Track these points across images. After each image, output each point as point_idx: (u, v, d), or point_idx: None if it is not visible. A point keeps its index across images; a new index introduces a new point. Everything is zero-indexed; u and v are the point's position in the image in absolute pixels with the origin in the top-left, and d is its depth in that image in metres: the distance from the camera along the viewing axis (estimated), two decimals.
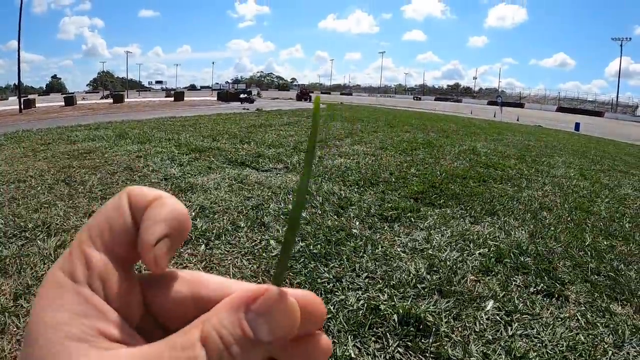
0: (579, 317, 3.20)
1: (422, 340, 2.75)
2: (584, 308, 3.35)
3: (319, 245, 4.05)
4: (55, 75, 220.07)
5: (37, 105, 38.85)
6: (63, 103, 40.14)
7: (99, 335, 0.27)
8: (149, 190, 0.32)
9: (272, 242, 4.14)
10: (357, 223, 4.74)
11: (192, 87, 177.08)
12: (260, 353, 0.28)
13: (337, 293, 3.25)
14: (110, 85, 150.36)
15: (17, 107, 33.30)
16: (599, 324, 3.14)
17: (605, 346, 2.89)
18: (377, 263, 3.78)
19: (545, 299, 3.43)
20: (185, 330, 0.28)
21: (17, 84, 43.92)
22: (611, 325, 3.14)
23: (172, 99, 51.61)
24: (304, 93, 65.28)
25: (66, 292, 0.28)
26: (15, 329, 2.67)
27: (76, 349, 0.26)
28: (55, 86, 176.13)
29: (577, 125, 35.84)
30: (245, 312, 0.28)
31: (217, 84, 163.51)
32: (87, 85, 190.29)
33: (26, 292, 3.10)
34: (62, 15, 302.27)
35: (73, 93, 75.24)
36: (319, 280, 3.42)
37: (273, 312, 0.28)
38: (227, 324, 0.28)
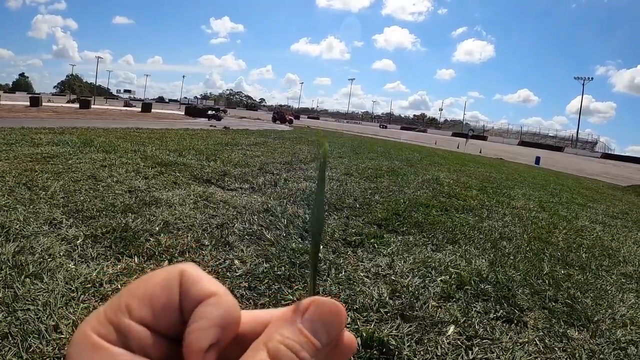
0: (537, 342, 3.27)
1: None
2: (542, 333, 3.43)
3: (283, 267, 4.04)
4: (23, 73, 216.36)
5: (1, 102, 37.88)
6: (28, 103, 39.11)
7: None
8: (205, 279, 0.32)
9: (236, 262, 4.11)
10: (321, 247, 4.73)
11: (161, 100, 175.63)
12: (322, 355, 0.31)
13: None
14: (78, 90, 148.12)
15: None
16: (556, 349, 3.22)
17: None
18: (340, 287, 3.80)
19: (504, 325, 3.50)
20: (247, 356, 0.30)
21: None
22: (568, 350, 3.22)
23: (129, 108, 51.16)
24: (283, 117, 60.63)
25: (109, 353, 0.29)
26: None
27: None
28: (21, 84, 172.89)
29: (537, 159, 36.64)
30: (301, 321, 0.31)
31: (186, 98, 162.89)
32: (54, 87, 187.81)
33: None
34: (35, 12, 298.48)
35: (39, 94, 73.62)
36: (282, 302, 3.41)
37: (324, 316, 0.32)
38: (289, 334, 0.31)
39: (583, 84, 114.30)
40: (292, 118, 63.06)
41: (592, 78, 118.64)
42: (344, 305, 0.34)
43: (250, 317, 0.35)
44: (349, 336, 0.35)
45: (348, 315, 3.29)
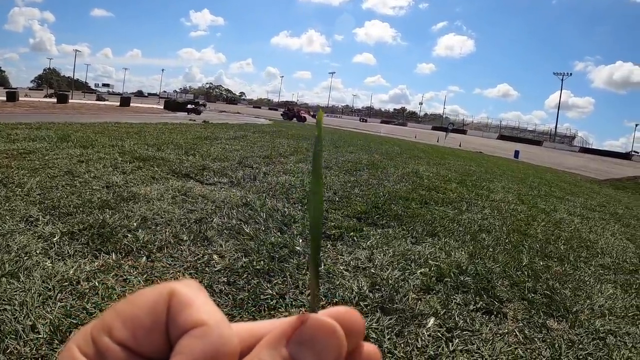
0: (517, 333, 3.29)
1: None
2: (521, 324, 3.45)
3: (262, 262, 4.01)
4: (0, 67, 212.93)
5: None
6: (4, 98, 38.52)
7: None
8: (197, 304, 0.29)
9: (215, 256, 4.08)
10: (301, 240, 4.70)
11: (140, 94, 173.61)
12: None
13: (280, 310, 3.23)
14: (56, 84, 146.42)
15: None
16: (536, 339, 3.24)
17: (543, 359, 2.98)
18: (320, 280, 3.78)
19: (484, 316, 3.51)
20: None
21: None
22: (548, 340, 3.25)
23: (102, 102, 50.68)
24: (296, 114, 56.57)
25: None
26: None
27: None
28: None
29: (516, 153, 37.00)
30: (286, 346, 0.28)
31: (165, 92, 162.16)
32: (31, 82, 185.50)
33: None
34: (12, 4, 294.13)
35: (16, 88, 72.64)
36: (262, 297, 3.38)
37: (315, 339, 0.28)
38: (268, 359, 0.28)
39: (562, 79, 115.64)
40: (305, 115, 57.54)
41: (571, 74, 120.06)
42: (361, 317, 0.31)
43: (248, 331, 0.32)
44: (371, 350, 0.32)
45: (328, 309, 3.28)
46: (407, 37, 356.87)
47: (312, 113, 63.32)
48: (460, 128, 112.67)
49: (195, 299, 0.29)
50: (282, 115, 58.56)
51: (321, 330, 0.28)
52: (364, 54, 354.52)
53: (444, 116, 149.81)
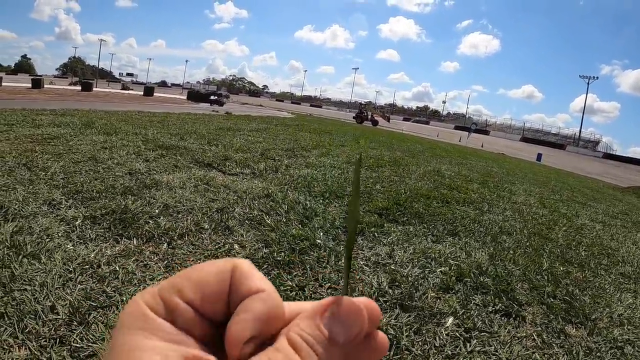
0: (535, 337, 3.27)
1: None
2: (540, 328, 3.42)
3: (282, 253, 4.02)
4: (26, 55, 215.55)
5: (3, 84, 37.77)
6: (30, 85, 39.05)
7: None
8: (257, 276, 0.35)
9: (236, 246, 4.11)
10: (322, 234, 4.71)
11: (163, 84, 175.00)
12: (338, 351, 0.33)
13: (299, 301, 3.24)
14: (80, 73, 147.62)
15: None
16: (554, 344, 3.22)
17: None
18: (340, 274, 3.78)
19: (503, 318, 3.49)
20: (275, 343, 0.32)
21: None
22: (566, 346, 3.22)
23: (127, 91, 51.04)
24: (367, 117, 52.89)
25: (156, 323, 0.31)
26: None
27: None
28: (24, 66, 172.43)
29: (539, 156, 36.66)
30: (321, 318, 0.33)
31: (189, 83, 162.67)
32: (56, 70, 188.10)
33: None
34: None
35: (41, 76, 73.58)
36: (281, 288, 3.40)
37: (345, 315, 0.33)
38: (306, 328, 0.33)
39: (588, 83, 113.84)
40: (378, 119, 53.91)
41: (597, 77, 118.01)
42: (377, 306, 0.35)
43: (297, 306, 0.37)
44: (382, 337, 0.37)
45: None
46: (431, 34, 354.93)
47: (386, 116, 59.47)
48: (482, 128, 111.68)
49: (254, 272, 0.35)
50: (354, 117, 54.45)
51: (351, 309, 0.34)
52: (388, 50, 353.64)
53: (467, 116, 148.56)
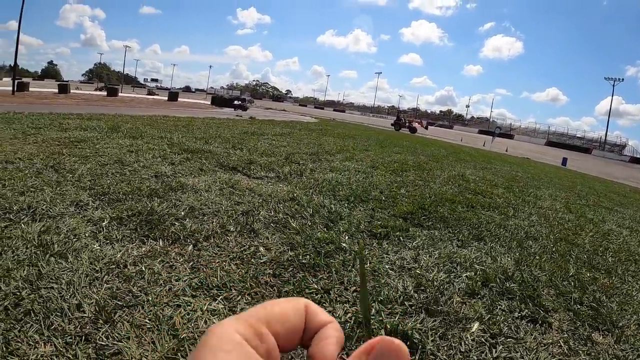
0: (562, 344, 3.24)
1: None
2: (566, 335, 3.39)
3: (307, 256, 4.04)
4: (52, 61, 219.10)
5: (30, 89, 38.57)
6: (57, 90, 39.89)
7: None
8: (322, 311, 0.41)
9: (261, 248, 4.14)
10: (347, 237, 4.73)
11: (187, 89, 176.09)
12: None
13: (324, 305, 3.25)
14: (106, 78, 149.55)
15: (10, 88, 33.12)
16: (580, 352, 3.18)
17: None
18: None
19: (529, 324, 3.46)
20: None
21: (12, 65, 43.69)
22: (592, 354, 3.19)
23: (152, 96, 51.67)
24: (405, 123, 50.33)
25: (246, 350, 0.34)
26: None
27: None
28: (50, 72, 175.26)
29: (564, 160, 36.16)
30: (367, 357, 0.36)
31: (212, 88, 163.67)
32: (82, 75, 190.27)
33: (5, 275, 3.05)
34: (64, 2, 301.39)
35: (68, 81, 74.85)
36: (307, 291, 3.42)
37: (389, 353, 0.36)
38: None
39: (613, 85, 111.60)
40: (417, 126, 50.96)
41: (622, 79, 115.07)
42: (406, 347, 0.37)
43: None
44: None
45: (372, 306, 3.30)
46: (454, 37, 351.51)
47: (424, 124, 57.60)
48: (507, 132, 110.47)
49: (320, 309, 0.41)
50: (392, 125, 52.83)
51: (393, 347, 0.36)
52: (411, 54, 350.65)
53: (490, 120, 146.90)
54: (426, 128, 55.75)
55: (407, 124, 50.40)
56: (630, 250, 6.59)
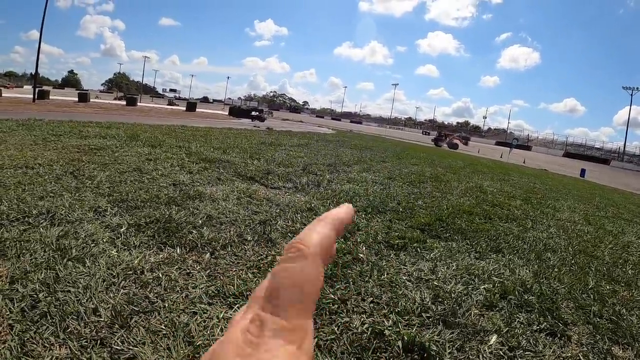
0: (581, 358, 3.20)
1: None
2: (585, 349, 3.35)
3: (325, 267, 4.04)
4: (72, 70, 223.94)
5: (51, 97, 39.17)
6: (77, 99, 40.41)
7: None
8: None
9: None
10: (364, 248, 4.73)
11: (205, 100, 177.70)
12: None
13: (341, 315, 3.24)
14: (125, 88, 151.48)
15: (31, 96, 33.64)
16: None
17: None
18: (382, 289, 3.78)
19: (547, 338, 3.43)
20: None
21: (33, 73, 44.41)
22: None
23: (173, 107, 52.25)
24: (446, 140, 50.31)
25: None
26: (8, 313, 2.67)
27: None
28: (70, 81, 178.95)
29: (582, 172, 35.83)
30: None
31: (230, 99, 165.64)
32: (101, 85, 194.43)
33: (23, 277, 3.09)
34: (84, 13, 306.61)
35: (87, 90, 75.95)
36: (324, 301, 3.42)
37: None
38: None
39: (632, 94, 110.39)
40: (457, 142, 50.75)
41: None
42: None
43: None
44: None
45: (390, 318, 3.28)
46: (470, 48, 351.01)
47: (463, 140, 56.93)
48: (524, 144, 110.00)
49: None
50: (432, 141, 52.61)
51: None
52: (427, 65, 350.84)
53: (508, 131, 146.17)
54: (466, 144, 55.23)
55: (447, 140, 50.21)
56: None
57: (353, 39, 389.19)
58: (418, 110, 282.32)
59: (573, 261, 5.69)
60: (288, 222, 5.32)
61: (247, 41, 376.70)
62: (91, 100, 43.73)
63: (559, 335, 3.50)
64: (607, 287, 4.86)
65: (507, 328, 3.43)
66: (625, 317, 4.06)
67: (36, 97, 33.43)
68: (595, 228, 8.63)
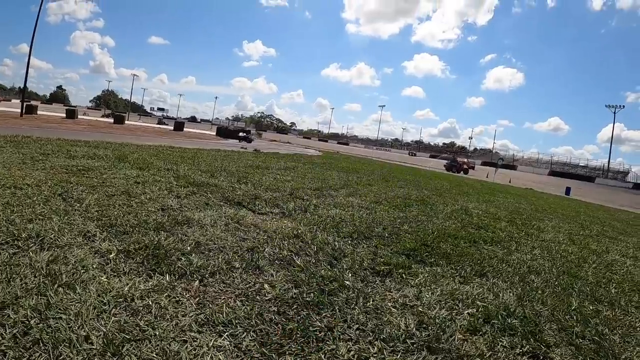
0: None
1: None
2: None
3: (312, 294, 4.09)
4: (61, 86, 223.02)
5: (38, 112, 39.18)
6: (64, 115, 40.37)
7: None
8: None
9: (266, 286, 4.18)
10: (350, 275, 4.77)
11: (193, 119, 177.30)
12: None
13: (328, 342, 3.28)
14: (113, 105, 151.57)
15: (19, 110, 33.59)
16: None
17: None
18: (368, 316, 3.83)
19: None
20: None
21: (22, 87, 44.40)
22: None
23: (161, 126, 52.34)
24: (459, 167, 51.43)
25: None
26: (0, 339, 2.70)
27: None
28: (59, 96, 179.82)
29: (567, 190, 36.23)
30: None
31: (218, 119, 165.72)
32: (90, 101, 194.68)
33: (14, 303, 3.11)
34: (74, 28, 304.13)
35: (75, 106, 75.74)
36: (310, 329, 3.46)
37: None
38: None
39: (614, 112, 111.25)
40: (467, 168, 52.52)
41: (623, 106, 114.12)
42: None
43: None
44: None
45: (375, 345, 3.34)
46: (456, 70, 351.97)
47: (471, 165, 57.08)
48: (510, 163, 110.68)
49: None
50: (445, 166, 54.36)
51: None
52: (413, 87, 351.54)
53: (493, 151, 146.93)
54: (473, 168, 56.11)
55: (461, 167, 51.01)
56: (633, 280, 6.62)
57: (340, 60, 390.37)
58: (405, 131, 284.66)
59: (557, 282, 5.77)
60: (275, 249, 5.35)
61: (235, 61, 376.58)
62: (79, 116, 43.67)
63: (541, 358, 3.57)
64: (590, 308, 4.94)
65: (490, 352, 3.49)
66: (607, 337, 4.14)
67: (24, 111, 33.45)
68: (579, 248, 8.75)
